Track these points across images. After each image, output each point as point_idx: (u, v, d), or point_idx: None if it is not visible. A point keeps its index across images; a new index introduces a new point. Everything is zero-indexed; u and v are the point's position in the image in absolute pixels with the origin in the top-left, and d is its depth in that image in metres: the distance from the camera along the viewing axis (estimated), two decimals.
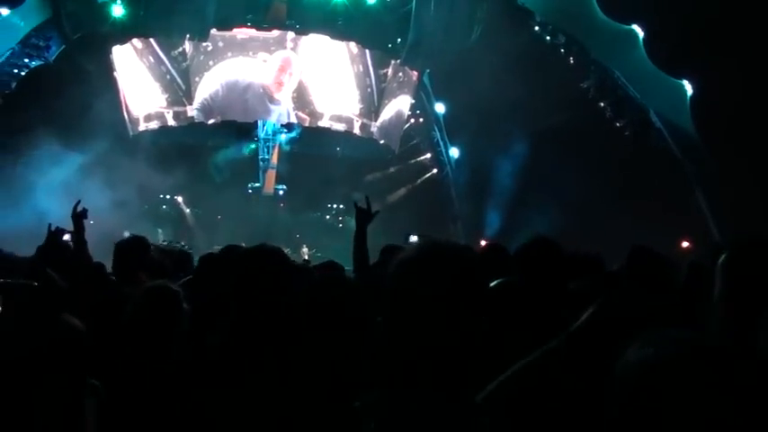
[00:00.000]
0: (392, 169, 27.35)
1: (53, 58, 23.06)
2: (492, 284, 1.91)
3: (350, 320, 2.83)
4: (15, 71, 22.60)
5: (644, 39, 22.69)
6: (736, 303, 2.06)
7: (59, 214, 5.20)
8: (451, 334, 1.61)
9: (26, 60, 22.75)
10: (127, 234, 5.63)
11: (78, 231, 4.70)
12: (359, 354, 2.36)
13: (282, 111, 24.61)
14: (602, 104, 24.75)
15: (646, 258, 3.45)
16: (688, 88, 22.60)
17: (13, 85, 22.24)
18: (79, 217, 4.78)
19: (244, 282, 2.61)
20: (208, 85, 23.76)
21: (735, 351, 1.21)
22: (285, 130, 25.83)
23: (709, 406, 1.13)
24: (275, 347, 2.42)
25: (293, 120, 24.73)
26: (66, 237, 4.90)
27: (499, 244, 4.26)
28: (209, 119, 24.09)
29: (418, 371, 1.62)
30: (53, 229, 4.87)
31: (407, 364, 1.63)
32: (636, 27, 22.81)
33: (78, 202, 4.81)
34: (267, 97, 24.16)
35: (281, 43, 24.04)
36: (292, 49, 24.09)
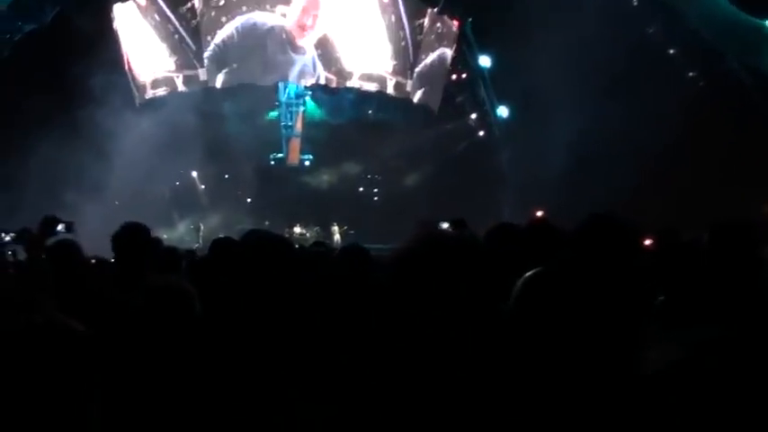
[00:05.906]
0: (432, 132, 26.18)
1: (48, 20, 22.54)
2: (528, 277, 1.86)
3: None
4: (8, 36, 22.42)
5: None
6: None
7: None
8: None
9: (19, 24, 22.47)
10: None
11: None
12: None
13: (307, 61, 23.61)
14: (671, 52, 24.53)
15: (732, 237, 3.43)
16: None
17: (6, 52, 21.96)
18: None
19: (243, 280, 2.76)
20: (221, 32, 23.00)
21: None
22: (310, 93, 25.08)
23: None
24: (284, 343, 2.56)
25: (320, 71, 23.83)
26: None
27: (545, 221, 4.54)
28: (222, 69, 23.14)
29: None
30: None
31: None
32: None
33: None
34: (289, 44, 23.26)
35: None
36: None
